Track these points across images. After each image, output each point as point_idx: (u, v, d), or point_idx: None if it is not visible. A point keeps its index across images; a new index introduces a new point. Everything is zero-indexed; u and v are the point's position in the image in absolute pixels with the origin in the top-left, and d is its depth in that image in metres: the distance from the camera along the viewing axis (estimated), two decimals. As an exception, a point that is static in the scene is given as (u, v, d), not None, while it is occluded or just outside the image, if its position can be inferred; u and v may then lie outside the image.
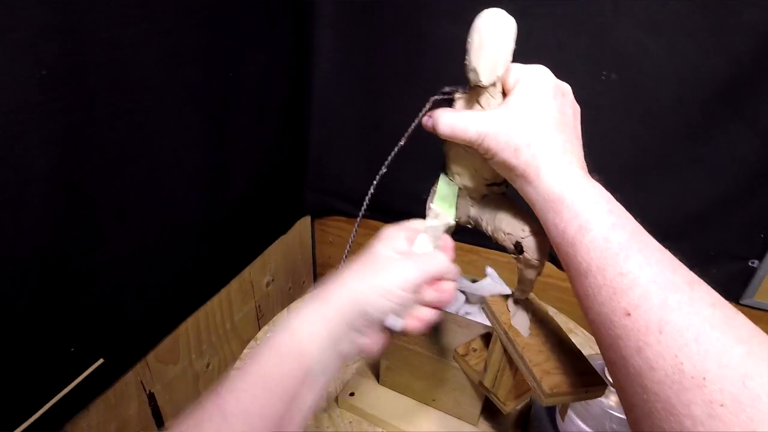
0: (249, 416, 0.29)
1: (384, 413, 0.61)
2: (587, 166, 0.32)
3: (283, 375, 0.31)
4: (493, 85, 0.33)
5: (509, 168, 0.32)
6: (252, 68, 0.76)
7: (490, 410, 0.59)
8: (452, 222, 0.39)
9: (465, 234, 0.39)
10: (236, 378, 0.31)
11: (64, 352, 0.57)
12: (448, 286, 0.36)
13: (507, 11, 0.31)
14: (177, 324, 0.78)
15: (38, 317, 0.52)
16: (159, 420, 0.78)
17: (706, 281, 0.25)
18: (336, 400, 0.65)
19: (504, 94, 0.34)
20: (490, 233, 0.40)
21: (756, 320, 0.23)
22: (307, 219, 1.13)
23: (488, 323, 0.49)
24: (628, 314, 0.25)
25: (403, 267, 0.34)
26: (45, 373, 0.56)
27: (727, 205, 0.73)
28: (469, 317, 0.65)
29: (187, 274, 0.76)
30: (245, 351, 0.77)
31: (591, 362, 0.42)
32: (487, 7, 0.31)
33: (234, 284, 0.90)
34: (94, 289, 0.59)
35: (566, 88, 0.34)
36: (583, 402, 0.50)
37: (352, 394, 0.64)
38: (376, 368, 0.66)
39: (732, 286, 0.78)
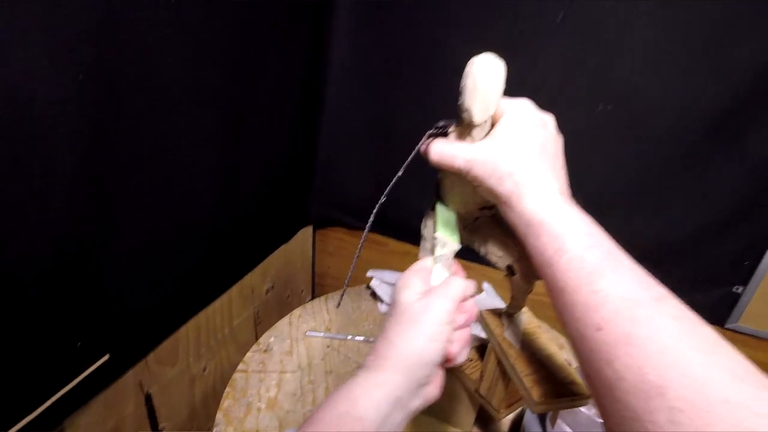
0: None
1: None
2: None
3: None
4: (484, 121, 0.35)
5: (495, 195, 0.34)
6: (270, 76, 0.77)
7: (483, 418, 0.61)
8: (459, 247, 0.41)
9: (462, 251, 0.41)
10: None
11: (70, 346, 0.58)
12: (471, 304, 0.38)
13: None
14: (181, 324, 0.78)
15: (50, 309, 0.53)
16: (154, 421, 0.78)
17: (691, 306, 0.26)
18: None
19: (492, 125, 0.36)
20: (483, 254, 0.42)
21: (740, 345, 0.24)
22: (309, 228, 1.13)
23: (483, 335, 0.52)
24: (600, 329, 0.26)
25: (435, 305, 0.35)
26: (50, 367, 0.56)
27: (714, 232, 0.76)
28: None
29: (194, 274, 0.76)
30: (248, 354, 0.77)
31: (577, 374, 0.45)
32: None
33: (235, 289, 0.90)
34: (106, 283, 0.59)
35: (548, 118, 0.36)
36: (571, 410, 0.52)
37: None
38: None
39: (717, 311, 0.80)
